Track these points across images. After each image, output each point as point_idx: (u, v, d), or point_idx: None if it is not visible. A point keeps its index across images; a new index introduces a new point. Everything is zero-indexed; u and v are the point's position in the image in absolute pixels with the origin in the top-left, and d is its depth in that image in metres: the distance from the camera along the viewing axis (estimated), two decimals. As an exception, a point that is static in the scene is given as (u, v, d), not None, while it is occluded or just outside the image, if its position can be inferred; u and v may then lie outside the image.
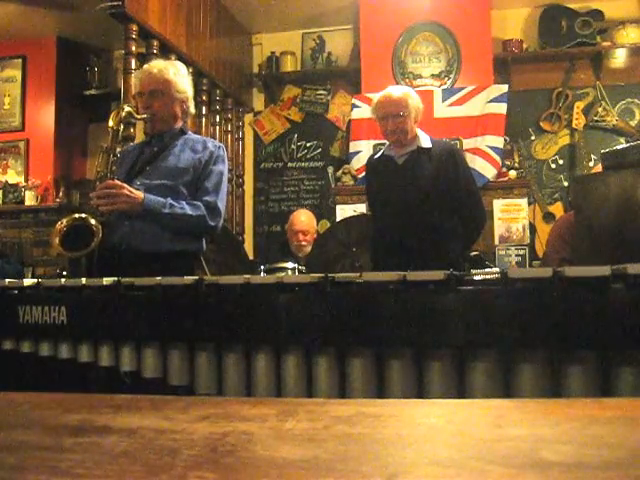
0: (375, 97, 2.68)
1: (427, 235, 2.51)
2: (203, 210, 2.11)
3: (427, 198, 2.54)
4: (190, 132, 2.33)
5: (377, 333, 1.22)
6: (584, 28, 4.61)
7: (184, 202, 2.10)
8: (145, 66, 2.31)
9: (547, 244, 3.28)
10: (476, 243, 2.95)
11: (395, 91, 2.62)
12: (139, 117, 2.23)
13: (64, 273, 2.01)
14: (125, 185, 2.04)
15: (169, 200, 2.07)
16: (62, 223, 2.05)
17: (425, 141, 2.61)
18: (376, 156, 2.76)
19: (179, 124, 2.26)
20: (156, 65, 2.22)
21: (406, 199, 2.55)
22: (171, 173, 2.14)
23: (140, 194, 2.04)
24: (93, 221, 2.02)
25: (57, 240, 2.02)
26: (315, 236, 3.72)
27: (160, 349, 1.43)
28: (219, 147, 2.25)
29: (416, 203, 2.54)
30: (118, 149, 2.16)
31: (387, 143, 2.70)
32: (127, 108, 2.17)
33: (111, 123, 2.13)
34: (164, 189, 2.11)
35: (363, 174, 4.17)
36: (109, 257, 2.03)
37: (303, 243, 3.69)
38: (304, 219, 3.79)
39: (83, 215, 2.05)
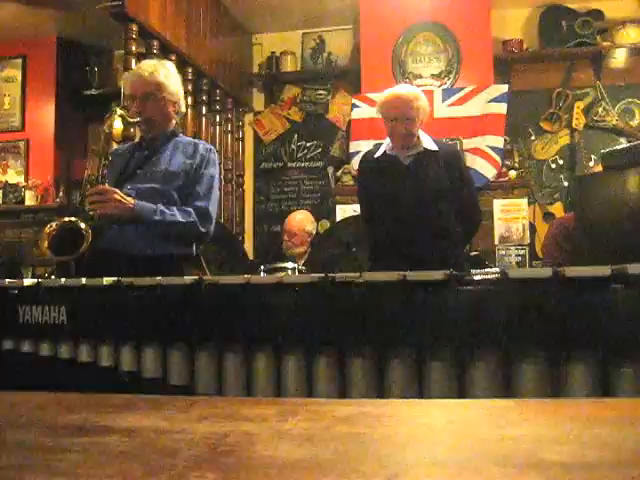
0: (385, 96, 2.57)
1: (434, 237, 2.49)
2: (194, 216, 2.09)
3: (435, 200, 2.51)
4: (181, 134, 2.32)
5: (377, 333, 1.22)
6: (584, 28, 4.61)
7: (175, 208, 2.08)
8: (135, 68, 2.29)
9: (543, 250, 3.28)
10: (476, 243, 2.97)
11: (407, 92, 2.53)
12: (132, 120, 2.21)
13: (52, 277, 2.00)
14: (117, 191, 2.02)
15: (160, 206, 2.05)
16: (51, 227, 2.03)
17: (430, 142, 2.57)
18: (376, 155, 2.65)
19: (172, 125, 2.26)
20: (146, 68, 2.19)
21: (414, 201, 2.50)
22: (162, 177, 2.13)
23: (131, 200, 2.02)
24: (83, 225, 1.99)
25: (45, 244, 2.00)
26: (308, 239, 3.72)
27: (160, 349, 1.43)
28: (210, 150, 2.23)
29: (424, 205, 2.50)
30: (112, 149, 2.15)
31: (385, 142, 2.62)
32: (119, 111, 2.15)
33: (105, 126, 2.12)
34: (155, 193, 2.09)
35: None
36: (97, 260, 2.02)
37: (288, 244, 3.71)
38: (293, 222, 3.79)
39: (73, 219, 2.03)
